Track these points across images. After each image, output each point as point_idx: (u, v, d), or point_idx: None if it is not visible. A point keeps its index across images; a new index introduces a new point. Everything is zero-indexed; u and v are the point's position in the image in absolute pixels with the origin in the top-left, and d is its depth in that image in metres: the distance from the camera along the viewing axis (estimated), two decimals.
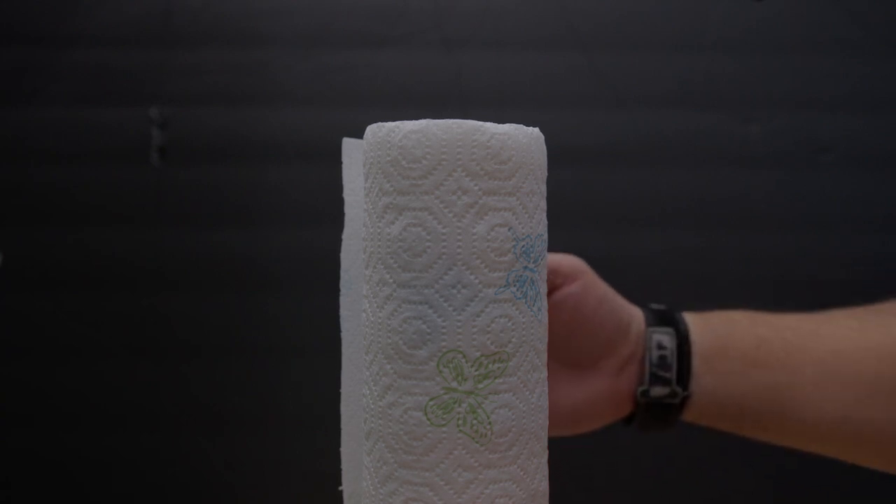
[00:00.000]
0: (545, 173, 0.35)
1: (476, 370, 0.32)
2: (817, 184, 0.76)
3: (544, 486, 0.35)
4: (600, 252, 0.76)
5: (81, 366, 0.75)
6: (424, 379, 0.32)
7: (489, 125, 0.33)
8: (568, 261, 0.42)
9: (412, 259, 0.32)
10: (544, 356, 0.35)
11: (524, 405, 0.34)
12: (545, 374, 0.35)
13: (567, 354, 0.43)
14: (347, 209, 0.41)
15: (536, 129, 0.34)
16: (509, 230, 0.33)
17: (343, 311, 0.38)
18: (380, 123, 0.33)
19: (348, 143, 0.42)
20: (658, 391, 0.43)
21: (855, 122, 0.76)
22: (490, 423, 0.32)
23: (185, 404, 0.75)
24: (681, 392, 0.43)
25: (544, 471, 0.35)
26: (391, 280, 0.33)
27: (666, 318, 0.44)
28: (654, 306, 0.45)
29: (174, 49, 0.75)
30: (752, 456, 0.75)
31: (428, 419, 0.32)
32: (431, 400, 0.32)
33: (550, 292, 0.41)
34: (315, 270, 0.74)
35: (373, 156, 0.33)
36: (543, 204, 0.35)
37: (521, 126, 0.33)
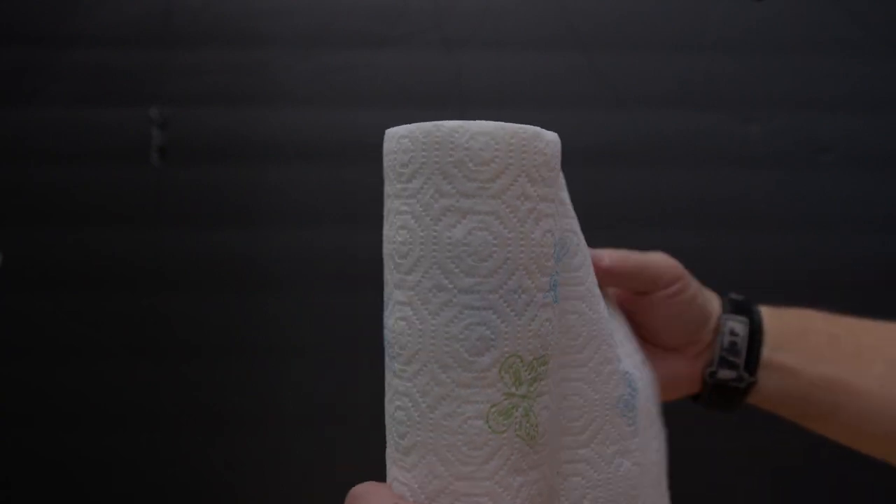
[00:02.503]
0: None
1: (529, 374, 0.32)
2: (817, 184, 0.76)
3: (557, 481, 0.36)
4: None
5: (81, 366, 0.75)
6: (486, 386, 0.32)
7: (543, 131, 0.33)
8: (668, 264, 0.45)
9: (477, 264, 0.31)
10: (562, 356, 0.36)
11: (555, 404, 0.34)
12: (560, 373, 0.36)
13: (658, 339, 0.46)
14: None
15: (556, 134, 0.34)
16: (552, 235, 0.34)
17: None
18: (435, 123, 0.32)
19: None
20: (725, 374, 0.45)
21: (855, 122, 0.76)
22: (537, 426, 0.33)
23: (185, 404, 0.75)
24: (747, 377, 0.45)
25: (558, 466, 0.36)
26: (451, 285, 0.32)
27: (741, 308, 0.47)
28: (733, 296, 0.48)
29: (174, 49, 0.75)
30: (754, 455, 0.75)
31: (489, 427, 0.32)
32: (493, 407, 0.32)
33: (651, 292, 0.45)
34: (315, 270, 0.74)
35: (426, 156, 0.32)
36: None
37: (554, 133, 0.34)
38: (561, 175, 0.35)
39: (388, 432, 0.34)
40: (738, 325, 0.46)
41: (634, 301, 0.46)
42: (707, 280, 0.78)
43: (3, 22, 0.75)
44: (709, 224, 0.76)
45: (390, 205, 0.34)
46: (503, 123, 0.32)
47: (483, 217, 0.32)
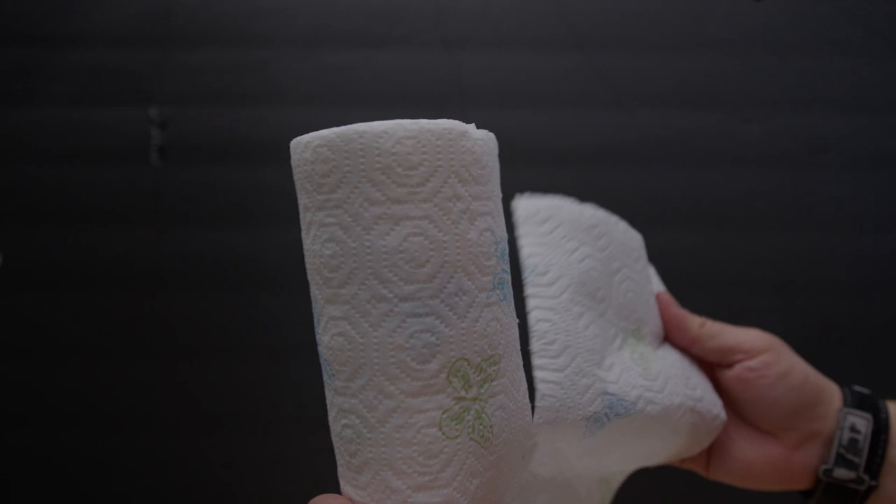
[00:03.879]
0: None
1: (478, 375, 0.32)
2: (817, 184, 0.76)
3: (522, 478, 0.35)
4: None
5: (80, 366, 0.75)
6: (436, 392, 0.31)
7: (470, 128, 0.32)
8: (751, 337, 0.43)
9: (415, 270, 0.31)
10: (520, 353, 0.35)
11: (513, 404, 0.34)
12: (522, 371, 0.35)
13: (746, 417, 0.44)
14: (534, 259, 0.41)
15: (490, 132, 0.34)
16: (492, 234, 0.33)
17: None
18: (354, 128, 0.30)
19: (527, 204, 0.44)
20: (842, 473, 0.42)
21: (855, 122, 0.76)
22: (491, 427, 0.32)
23: (184, 404, 0.75)
24: (868, 480, 0.41)
25: (522, 466, 0.35)
26: (390, 294, 0.31)
27: (866, 402, 0.43)
28: (857, 388, 0.44)
29: (173, 49, 0.75)
30: None
31: (443, 433, 0.31)
32: (444, 413, 0.31)
33: (730, 365, 0.43)
34: None
35: (351, 164, 0.31)
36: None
37: (485, 130, 0.33)
38: (498, 173, 0.35)
39: (336, 452, 0.33)
40: (861, 422, 0.42)
41: (723, 375, 0.44)
42: (707, 280, 0.78)
43: (3, 22, 0.75)
44: (709, 224, 0.76)
45: (312, 217, 0.32)
46: (427, 123, 0.31)
47: (417, 222, 0.31)
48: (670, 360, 0.44)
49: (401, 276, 0.31)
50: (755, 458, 0.43)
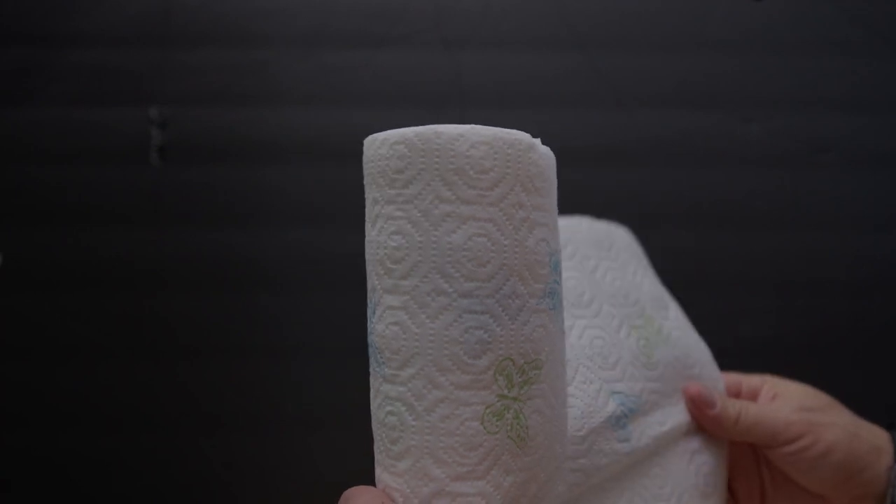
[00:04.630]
0: None
1: (520, 377, 0.33)
2: (817, 184, 0.76)
3: (561, 488, 0.36)
4: None
5: (80, 366, 0.75)
6: (482, 388, 0.32)
7: (537, 142, 0.34)
8: (785, 423, 0.43)
9: (476, 269, 0.32)
10: (564, 366, 0.37)
11: (550, 411, 0.35)
12: (566, 382, 0.37)
13: (795, 488, 0.44)
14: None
15: (550, 150, 0.35)
16: (547, 245, 0.35)
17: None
18: (433, 129, 0.32)
19: (618, 233, 0.47)
20: None
21: (855, 122, 0.76)
22: (527, 428, 0.33)
23: (184, 404, 0.75)
24: None
25: (561, 474, 0.36)
26: (451, 289, 0.32)
27: None
28: None
29: (174, 49, 0.75)
30: None
31: (484, 428, 0.32)
32: (488, 408, 0.32)
33: (771, 448, 0.44)
34: (315, 270, 0.74)
35: (426, 162, 0.32)
36: None
37: (547, 147, 0.35)
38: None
39: (376, 438, 0.34)
40: None
41: (766, 452, 0.45)
42: (707, 280, 0.78)
43: (3, 22, 0.75)
44: (709, 224, 0.76)
45: (380, 210, 0.34)
46: (500, 131, 0.33)
47: (482, 224, 0.32)
48: (673, 340, 0.46)
49: (462, 273, 0.32)
50: None
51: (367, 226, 0.35)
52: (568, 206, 0.76)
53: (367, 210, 0.35)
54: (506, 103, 0.75)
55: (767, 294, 0.76)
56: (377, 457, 0.35)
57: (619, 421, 0.39)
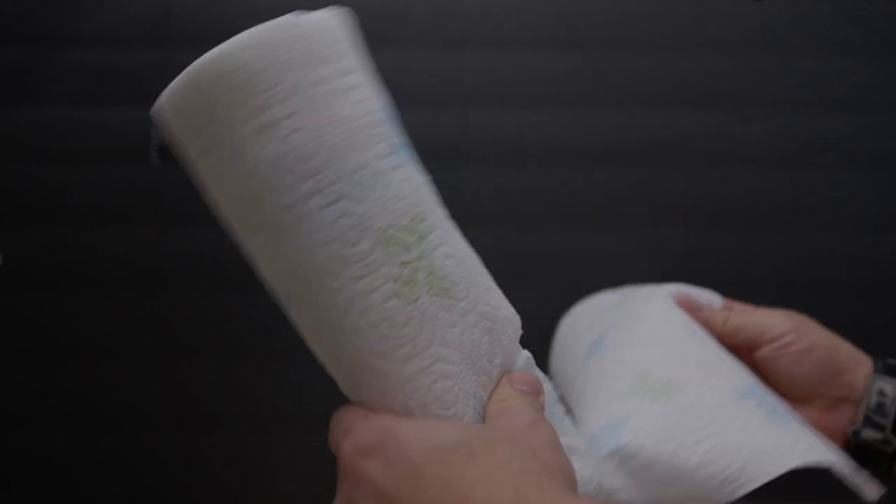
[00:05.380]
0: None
1: (412, 236, 0.32)
2: (817, 184, 0.76)
3: (511, 311, 0.36)
4: (600, 252, 0.76)
5: (80, 366, 0.75)
6: (379, 267, 0.31)
7: (300, 17, 0.33)
8: (773, 322, 0.48)
9: (306, 165, 0.31)
10: (440, 205, 0.35)
11: (458, 251, 0.34)
12: (451, 222, 0.35)
13: (776, 389, 0.47)
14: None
15: (333, 10, 0.34)
16: (368, 104, 0.33)
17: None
18: (197, 64, 0.31)
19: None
20: (869, 434, 0.45)
21: (855, 122, 0.76)
22: (446, 276, 0.32)
23: (184, 404, 0.75)
24: (895, 441, 0.44)
25: (502, 298, 0.36)
26: (296, 199, 0.31)
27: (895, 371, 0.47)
28: (891, 361, 0.48)
29: (174, 49, 0.75)
30: None
31: (403, 301, 0.31)
32: (396, 282, 0.31)
33: (758, 347, 0.47)
34: None
35: (204, 98, 0.31)
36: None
37: (324, 9, 0.34)
38: (358, 47, 0.35)
39: (331, 373, 0.34)
40: (889, 387, 0.45)
41: (751, 356, 0.48)
42: (706, 280, 0.78)
43: (3, 22, 0.75)
44: (708, 224, 0.76)
45: (202, 167, 0.33)
46: (254, 29, 0.32)
47: (288, 121, 0.31)
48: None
49: (296, 177, 0.31)
50: None
51: (207, 190, 0.34)
52: (568, 205, 0.76)
53: (197, 177, 0.34)
54: (506, 103, 0.75)
55: (767, 294, 0.76)
56: (342, 388, 0.35)
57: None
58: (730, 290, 0.77)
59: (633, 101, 0.76)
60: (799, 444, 0.39)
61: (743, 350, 0.49)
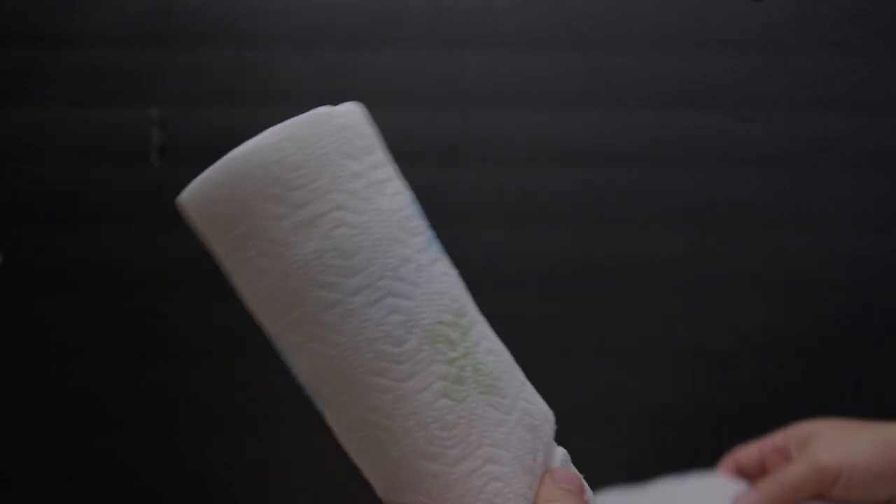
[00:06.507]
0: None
1: (456, 332, 0.31)
2: (817, 184, 0.76)
3: (545, 405, 0.35)
4: (600, 252, 0.76)
5: (80, 366, 0.75)
6: (427, 366, 0.30)
7: (333, 109, 0.33)
8: (807, 476, 0.48)
9: (350, 262, 0.30)
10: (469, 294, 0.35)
11: (496, 343, 0.33)
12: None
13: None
14: None
15: (354, 104, 0.33)
16: (403, 195, 0.33)
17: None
18: (230, 157, 0.30)
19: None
20: None
21: (855, 122, 0.76)
22: (490, 373, 0.32)
23: (184, 404, 0.75)
24: None
25: (535, 392, 0.35)
26: (339, 296, 0.30)
27: None
28: None
29: (174, 49, 0.75)
30: None
31: (453, 400, 0.30)
32: (445, 380, 0.30)
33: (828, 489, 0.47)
34: None
35: (240, 191, 0.30)
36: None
37: (348, 103, 0.34)
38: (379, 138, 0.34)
39: (367, 474, 0.33)
40: None
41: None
42: (706, 280, 0.78)
43: (3, 22, 0.75)
44: (708, 224, 0.76)
45: (232, 262, 0.32)
46: (290, 121, 0.31)
47: (331, 215, 0.30)
48: None
49: (340, 274, 0.30)
50: None
51: (235, 283, 0.33)
52: (568, 205, 0.76)
53: (226, 270, 0.33)
54: (506, 103, 0.75)
55: (767, 294, 0.76)
56: (378, 489, 0.33)
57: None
58: (730, 290, 0.77)
59: (633, 101, 0.76)
60: None
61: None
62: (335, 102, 0.83)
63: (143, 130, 0.75)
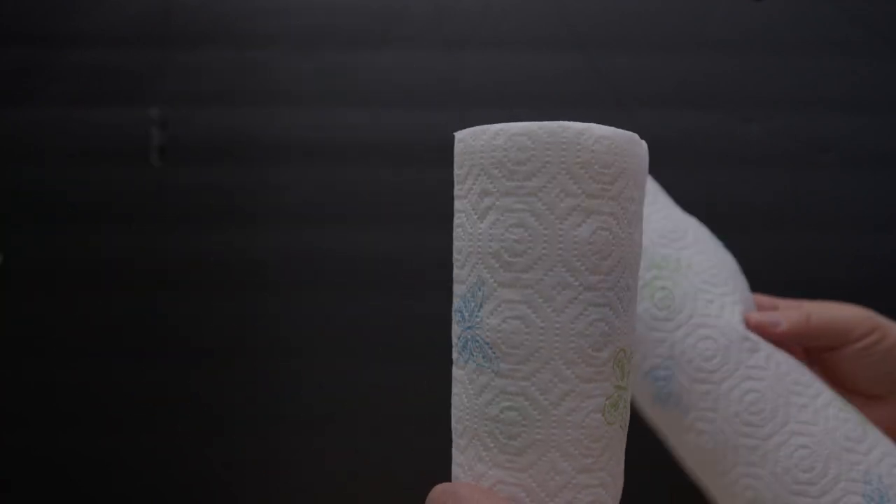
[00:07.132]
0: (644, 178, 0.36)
1: (627, 367, 0.34)
2: (817, 184, 0.76)
3: None
4: None
5: (81, 366, 0.75)
6: (603, 380, 0.33)
7: (639, 139, 0.35)
8: (858, 317, 0.45)
9: (599, 262, 0.32)
10: None
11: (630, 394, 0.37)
12: None
13: (856, 388, 0.46)
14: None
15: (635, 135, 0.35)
16: (645, 237, 0.36)
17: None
18: (559, 123, 0.32)
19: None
20: None
21: (855, 122, 0.76)
22: (628, 416, 0.35)
23: (185, 404, 0.75)
24: None
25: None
26: (576, 283, 0.32)
27: None
28: None
29: (174, 49, 0.75)
30: None
31: (605, 419, 0.33)
32: (607, 399, 0.33)
33: (842, 347, 0.45)
34: (315, 270, 0.74)
35: (551, 155, 0.32)
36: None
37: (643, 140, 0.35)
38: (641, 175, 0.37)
39: (486, 435, 0.33)
40: None
41: (825, 353, 0.46)
42: None
43: (3, 22, 0.75)
44: (708, 224, 0.76)
45: (493, 202, 0.33)
46: (615, 129, 0.33)
47: (605, 218, 0.32)
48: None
49: (587, 267, 0.32)
50: (873, 421, 0.45)
51: (471, 217, 0.34)
52: None
53: (468, 201, 0.34)
54: (506, 103, 0.75)
55: (767, 294, 0.76)
56: (481, 453, 0.33)
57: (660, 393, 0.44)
58: None
59: (633, 101, 0.76)
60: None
61: (818, 349, 0.46)
62: (335, 102, 0.84)
63: (143, 130, 0.75)
